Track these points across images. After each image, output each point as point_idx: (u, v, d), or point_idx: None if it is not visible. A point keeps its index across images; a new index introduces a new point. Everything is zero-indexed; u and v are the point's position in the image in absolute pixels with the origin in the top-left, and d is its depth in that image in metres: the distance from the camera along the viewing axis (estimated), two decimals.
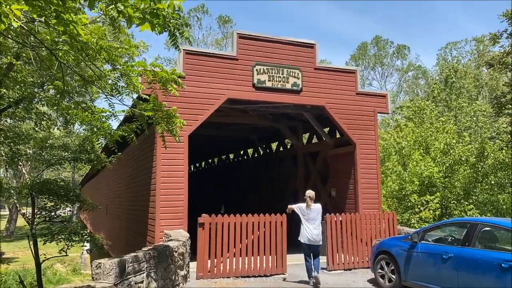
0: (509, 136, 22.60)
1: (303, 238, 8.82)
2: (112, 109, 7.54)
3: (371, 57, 58.54)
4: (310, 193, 9.03)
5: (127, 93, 7.08)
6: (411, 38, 78.96)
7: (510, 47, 25.58)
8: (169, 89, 6.74)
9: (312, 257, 8.81)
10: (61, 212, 14.45)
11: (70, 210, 51.46)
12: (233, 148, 23.31)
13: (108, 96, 7.37)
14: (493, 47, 46.53)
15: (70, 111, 7.69)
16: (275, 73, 11.73)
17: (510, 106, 24.13)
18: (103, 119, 7.54)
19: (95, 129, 7.56)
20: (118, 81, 7.08)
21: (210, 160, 29.85)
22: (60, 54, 6.60)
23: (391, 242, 8.69)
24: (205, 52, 11.29)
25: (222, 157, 26.86)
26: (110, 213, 21.20)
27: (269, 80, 11.66)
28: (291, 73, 11.91)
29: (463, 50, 51.04)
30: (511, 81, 26.71)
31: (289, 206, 9.30)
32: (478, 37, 48.05)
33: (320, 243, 8.85)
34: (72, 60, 6.75)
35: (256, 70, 11.56)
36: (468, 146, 18.57)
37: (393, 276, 8.37)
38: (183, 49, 10.87)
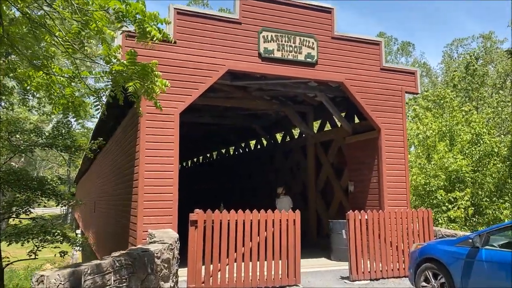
0: None
1: None
2: (76, 70, 5.59)
3: None
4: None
5: (94, 39, 5.11)
6: (414, 39, 76.85)
7: None
8: (148, 29, 4.74)
9: None
10: (39, 209, 12.40)
11: (64, 208, 49.25)
12: (232, 139, 21.18)
13: (69, 50, 5.33)
14: (501, 44, 44.59)
15: (19, 70, 5.69)
16: (285, 42, 9.75)
17: None
18: (65, 83, 5.57)
19: (54, 97, 5.62)
20: (82, 29, 5.03)
21: (208, 155, 27.81)
22: None
23: (439, 247, 6.70)
24: (201, 13, 9.26)
25: (222, 150, 24.82)
26: (98, 209, 19.20)
27: (278, 50, 9.67)
28: (305, 42, 9.92)
29: (469, 48, 48.56)
30: None
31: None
32: (486, 34, 45.72)
33: None
34: None
35: (263, 37, 9.57)
36: (495, 139, 16.55)
37: None
38: (174, 8, 8.86)
